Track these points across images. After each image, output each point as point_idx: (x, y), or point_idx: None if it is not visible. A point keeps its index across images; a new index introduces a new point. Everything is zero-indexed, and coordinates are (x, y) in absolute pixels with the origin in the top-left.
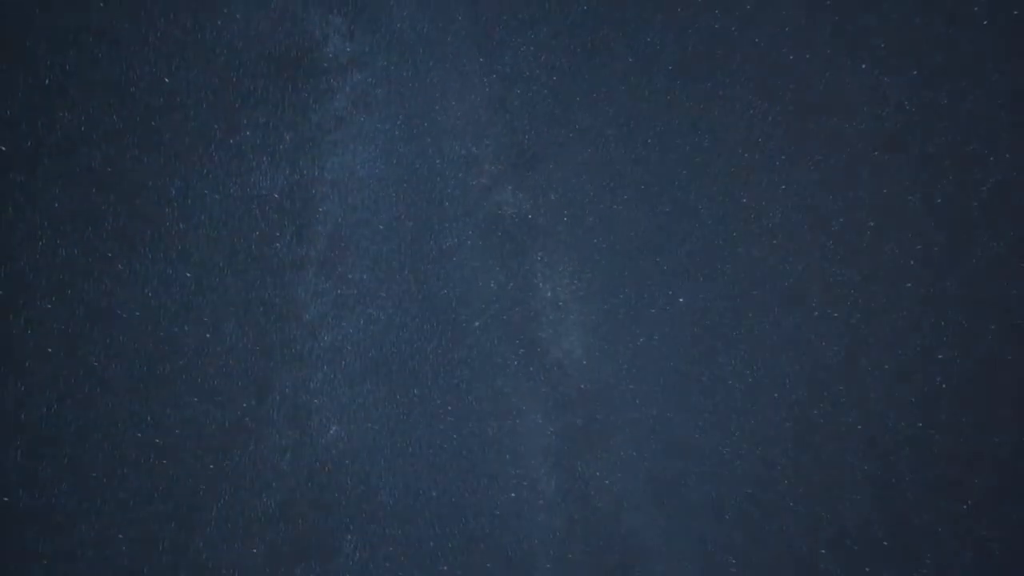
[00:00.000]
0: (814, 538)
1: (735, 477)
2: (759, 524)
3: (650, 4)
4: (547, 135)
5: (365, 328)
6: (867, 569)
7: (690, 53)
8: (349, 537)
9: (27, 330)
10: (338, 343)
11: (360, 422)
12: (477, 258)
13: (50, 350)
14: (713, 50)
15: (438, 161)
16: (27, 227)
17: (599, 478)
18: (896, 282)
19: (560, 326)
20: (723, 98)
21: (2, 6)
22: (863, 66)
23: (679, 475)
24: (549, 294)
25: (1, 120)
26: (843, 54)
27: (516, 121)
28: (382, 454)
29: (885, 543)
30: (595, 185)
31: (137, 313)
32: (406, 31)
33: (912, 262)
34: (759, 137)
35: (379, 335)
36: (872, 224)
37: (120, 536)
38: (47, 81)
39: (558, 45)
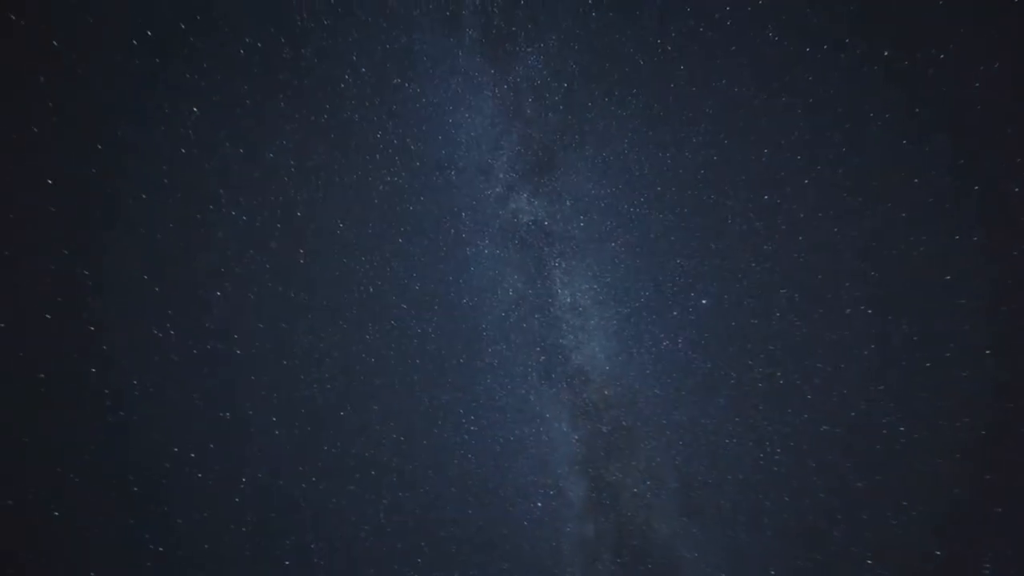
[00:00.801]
0: (862, 551)
1: (772, 485)
2: (799, 534)
3: (660, 8)
4: (560, 142)
5: (387, 338)
6: None
7: (704, 52)
8: (368, 545)
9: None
10: (359, 353)
11: (380, 434)
12: (495, 266)
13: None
14: (728, 47)
15: (453, 173)
16: None
17: (628, 486)
18: (931, 277)
19: (581, 332)
20: (740, 96)
21: None
22: (885, 62)
23: (712, 482)
24: (568, 300)
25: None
26: (866, 50)
27: (529, 129)
28: (406, 463)
29: (938, 552)
30: (611, 189)
31: None
32: (415, 47)
33: (946, 258)
34: (780, 133)
35: (400, 345)
36: (904, 217)
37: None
38: None
39: (568, 53)
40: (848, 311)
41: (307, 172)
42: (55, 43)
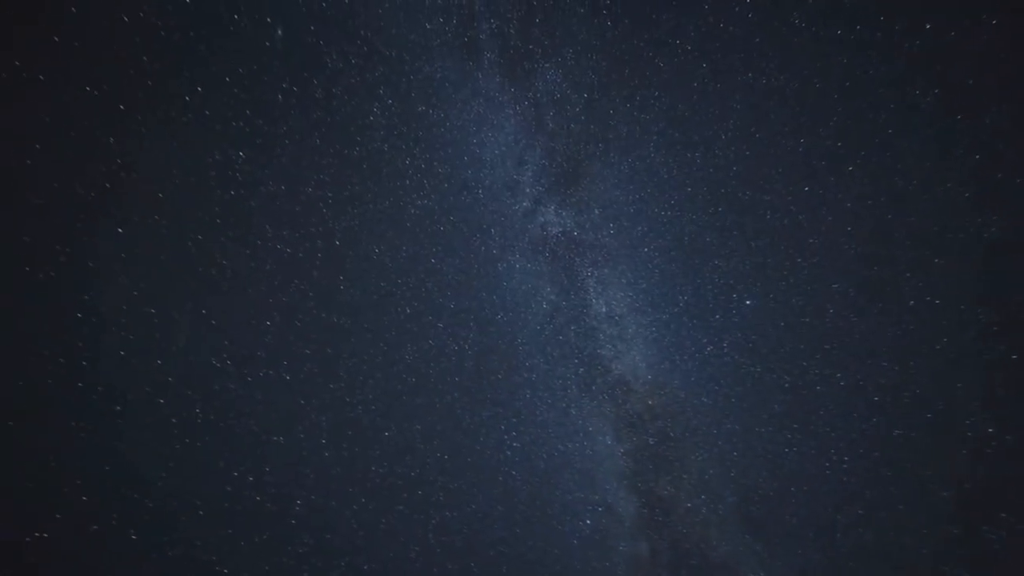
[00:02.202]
0: (955, 570)
1: (843, 497)
2: (880, 552)
3: (676, 9)
4: (584, 151)
5: (425, 357)
6: None
7: (727, 47)
8: (419, 566)
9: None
10: (400, 374)
11: (425, 453)
12: (527, 280)
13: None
14: (751, 39)
15: (480, 191)
16: None
17: (681, 501)
18: (1006, 259)
19: (619, 341)
20: (770, 87)
21: None
22: (928, 36)
23: (774, 495)
24: (604, 309)
25: None
26: (905, 25)
27: (553, 142)
28: (451, 481)
29: None
30: (639, 194)
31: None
32: (436, 75)
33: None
34: (817, 121)
35: (438, 364)
36: (968, 197)
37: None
38: None
39: (586, 63)
40: (912, 303)
41: (343, 202)
42: (121, 107)
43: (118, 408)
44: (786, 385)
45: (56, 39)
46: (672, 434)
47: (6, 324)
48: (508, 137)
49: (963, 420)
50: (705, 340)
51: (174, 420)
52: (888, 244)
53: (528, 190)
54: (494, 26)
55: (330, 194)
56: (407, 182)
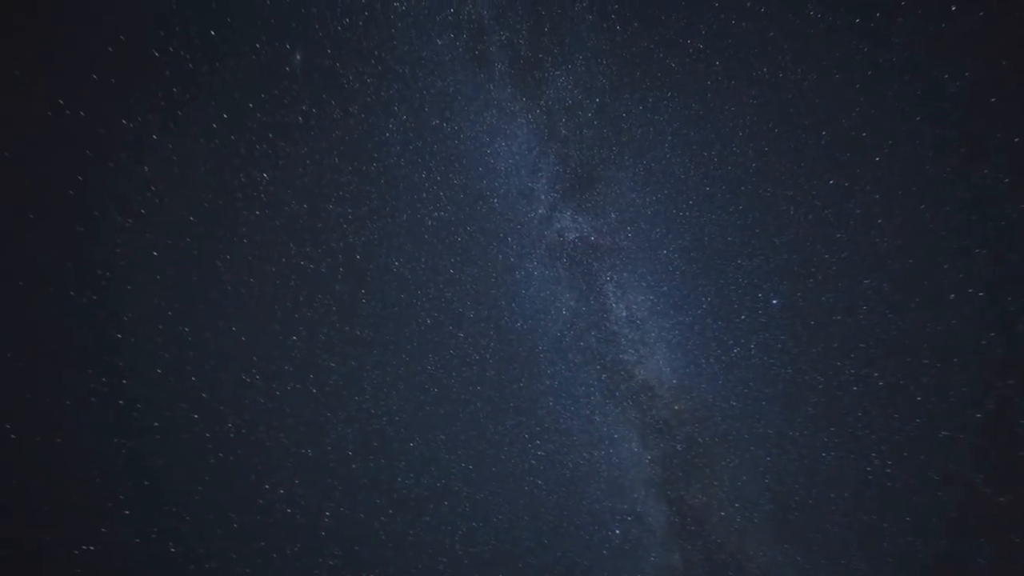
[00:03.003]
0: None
1: (888, 503)
2: (931, 562)
3: (686, 8)
4: (598, 156)
5: (447, 367)
6: None
7: (740, 43)
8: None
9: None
10: (422, 384)
11: (449, 463)
12: (546, 287)
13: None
14: (765, 34)
15: (495, 200)
16: None
17: (714, 509)
18: None
19: (642, 346)
20: (786, 81)
21: None
22: (954, 19)
23: (813, 502)
24: (624, 313)
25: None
26: (929, 9)
27: (566, 149)
28: (477, 491)
29: None
30: (656, 196)
31: None
32: (449, 89)
33: None
34: (839, 112)
35: (460, 373)
36: (1008, 182)
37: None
38: None
39: (597, 68)
40: (952, 296)
41: (362, 217)
42: (154, 136)
43: (156, 424)
44: (820, 386)
45: (94, 77)
46: (701, 439)
47: (51, 345)
48: (521, 146)
49: (1017, 420)
50: (731, 342)
51: (208, 435)
52: (923, 235)
53: (543, 197)
54: (504, 38)
55: (350, 210)
56: (423, 195)
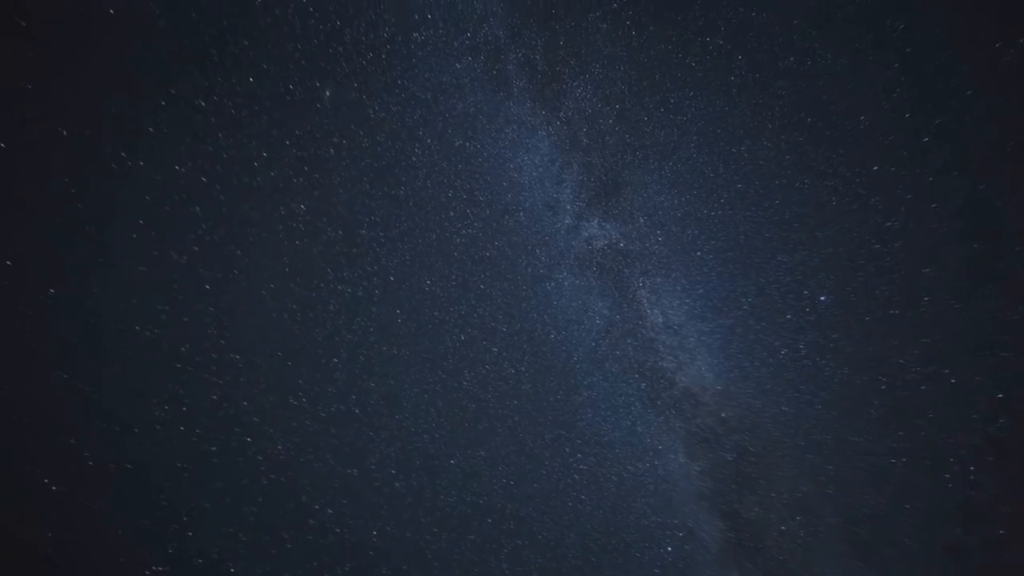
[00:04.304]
0: None
1: (975, 513)
2: (1020, 571)
3: (702, 7)
4: (622, 161)
5: (483, 382)
6: None
7: (762, 35)
8: None
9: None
10: (460, 400)
11: (491, 479)
12: (577, 297)
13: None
14: (789, 22)
15: (521, 214)
16: None
17: (773, 523)
18: None
19: (681, 352)
20: (816, 68)
21: None
22: (995, 10)
23: (884, 514)
24: (660, 319)
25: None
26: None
27: (589, 157)
28: (520, 508)
29: None
30: (685, 197)
31: None
32: (470, 110)
33: None
34: (878, 94)
35: (496, 388)
36: None
37: None
38: None
39: (614, 76)
40: None
41: (394, 240)
42: (203, 179)
43: (213, 448)
44: (882, 387)
45: (151, 130)
46: (752, 448)
47: (126, 379)
48: (544, 158)
49: None
50: (778, 343)
51: (260, 457)
52: (987, 217)
53: (569, 207)
54: (520, 55)
55: (382, 233)
56: (451, 213)
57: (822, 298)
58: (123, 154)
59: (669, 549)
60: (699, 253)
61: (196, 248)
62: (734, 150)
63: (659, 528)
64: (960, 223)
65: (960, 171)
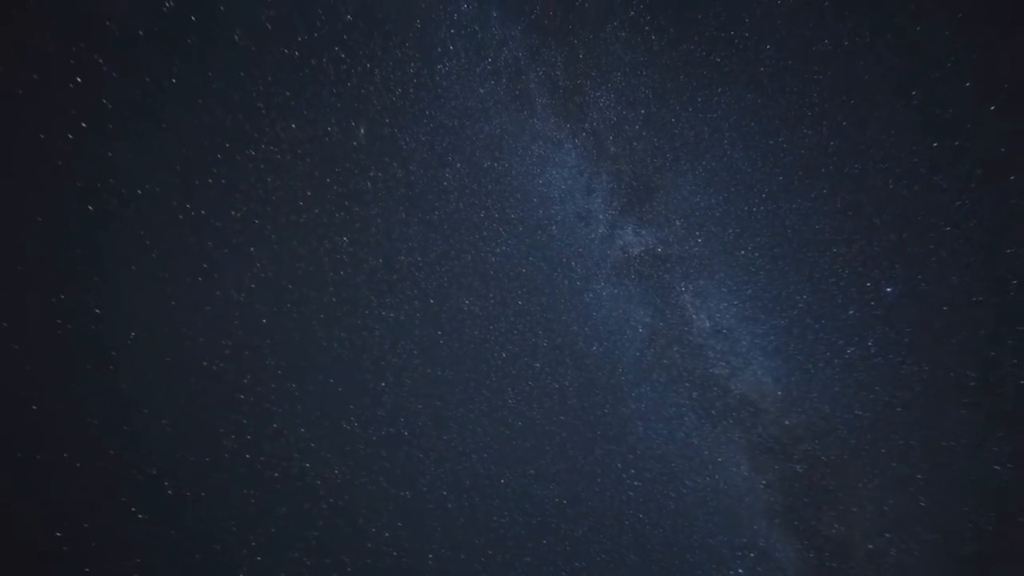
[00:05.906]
0: None
1: None
2: None
3: (720, 3)
4: (652, 165)
5: (528, 399)
6: None
7: (793, 21)
8: None
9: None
10: (506, 418)
11: (543, 499)
12: (617, 306)
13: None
14: (820, 4)
15: (553, 227)
16: None
17: (858, 541)
18: None
19: (733, 356)
20: (855, 47)
21: None
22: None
23: (994, 528)
24: (707, 324)
25: None
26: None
27: (617, 164)
28: (575, 528)
29: None
30: (722, 195)
31: None
32: (496, 131)
33: None
34: (931, 67)
35: (541, 404)
36: None
37: None
38: None
39: (637, 81)
40: None
41: (432, 264)
42: (255, 221)
43: (275, 474)
44: (971, 384)
45: (209, 181)
46: (824, 458)
47: (190, 409)
48: (572, 170)
49: None
50: (842, 342)
51: (319, 482)
52: None
53: (601, 216)
54: (541, 74)
55: (419, 258)
56: (484, 233)
57: (888, 289)
58: (188, 205)
59: (740, 571)
60: (743, 252)
61: (253, 286)
62: (771, 142)
63: (727, 548)
64: None
65: None
